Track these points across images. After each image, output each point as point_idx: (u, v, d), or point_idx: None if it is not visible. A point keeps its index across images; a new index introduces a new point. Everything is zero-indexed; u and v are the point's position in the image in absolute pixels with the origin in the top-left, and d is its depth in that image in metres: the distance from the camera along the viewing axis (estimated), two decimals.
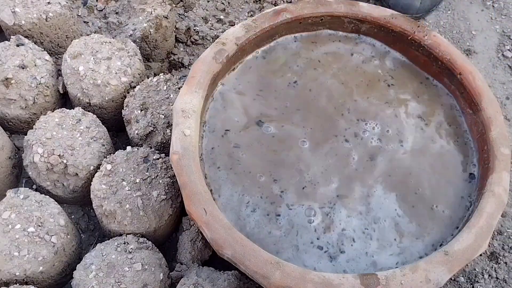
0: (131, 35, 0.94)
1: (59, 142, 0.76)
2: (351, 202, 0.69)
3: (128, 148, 0.77)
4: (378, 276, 0.57)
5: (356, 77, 0.81)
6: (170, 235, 0.79)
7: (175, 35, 1.02)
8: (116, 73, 0.83)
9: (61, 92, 0.87)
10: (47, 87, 0.83)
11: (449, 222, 0.68)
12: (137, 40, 0.93)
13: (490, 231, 0.62)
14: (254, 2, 1.08)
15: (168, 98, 0.81)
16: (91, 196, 0.73)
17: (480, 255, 0.75)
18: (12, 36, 0.86)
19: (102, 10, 1.03)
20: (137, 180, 0.73)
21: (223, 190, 0.69)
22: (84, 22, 1.02)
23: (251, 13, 1.06)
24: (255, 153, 0.72)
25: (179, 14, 1.06)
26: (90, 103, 0.83)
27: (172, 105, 0.80)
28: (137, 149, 0.77)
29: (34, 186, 0.80)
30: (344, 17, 0.82)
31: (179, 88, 0.82)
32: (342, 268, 0.64)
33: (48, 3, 0.89)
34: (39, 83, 0.82)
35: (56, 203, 0.73)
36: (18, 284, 0.66)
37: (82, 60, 0.83)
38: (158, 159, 0.76)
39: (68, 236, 0.71)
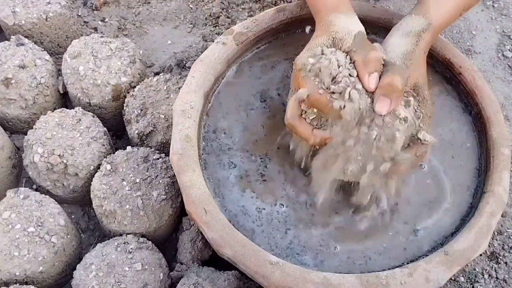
0: None
1: (59, 142, 0.76)
2: None
3: (128, 148, 0.77)
4: (378, 276, 0.57)
5: None
6: (170, 235, 0.79)
7: None
8: (116, 73, 0.83)
9: (61, 92, 0.87)
10: (47, 87, 0.83)
11: None
12: None
13: (490, 231, 0.62)
14: (254, 2, 1.08)
15: (168, 98, 0.81)
16: (91, 196, 0.73)
17: (480, 255, 0.75)
18: (12, 36, 0.86)
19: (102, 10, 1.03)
20: (137, 180, 0.73)
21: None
22: (84, 22, 1.02)
23: (251, 13, 1.06)
24: None
25: None
26: (90, 103, 0.83)
27: (172, 105, 0.80)
28: (137, 149, 0.77)
29: (34, 186, 0.80)
30: None
31: (179, 88, 0.82)
32: None
33: (48, 3, 0.89)
34: (39, 83, 0.82)
35: (56, 203, 0.73)
36: (18, 284, 0.66)
37: (82, 60, 0.83)
38: (158, 159, 0.76)
39: (68, 236, 0.71)
